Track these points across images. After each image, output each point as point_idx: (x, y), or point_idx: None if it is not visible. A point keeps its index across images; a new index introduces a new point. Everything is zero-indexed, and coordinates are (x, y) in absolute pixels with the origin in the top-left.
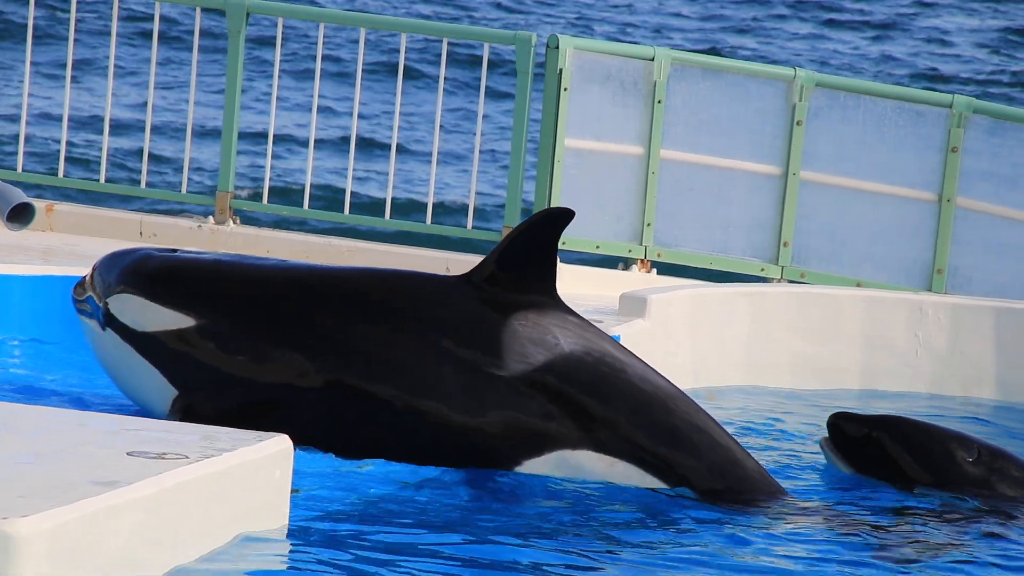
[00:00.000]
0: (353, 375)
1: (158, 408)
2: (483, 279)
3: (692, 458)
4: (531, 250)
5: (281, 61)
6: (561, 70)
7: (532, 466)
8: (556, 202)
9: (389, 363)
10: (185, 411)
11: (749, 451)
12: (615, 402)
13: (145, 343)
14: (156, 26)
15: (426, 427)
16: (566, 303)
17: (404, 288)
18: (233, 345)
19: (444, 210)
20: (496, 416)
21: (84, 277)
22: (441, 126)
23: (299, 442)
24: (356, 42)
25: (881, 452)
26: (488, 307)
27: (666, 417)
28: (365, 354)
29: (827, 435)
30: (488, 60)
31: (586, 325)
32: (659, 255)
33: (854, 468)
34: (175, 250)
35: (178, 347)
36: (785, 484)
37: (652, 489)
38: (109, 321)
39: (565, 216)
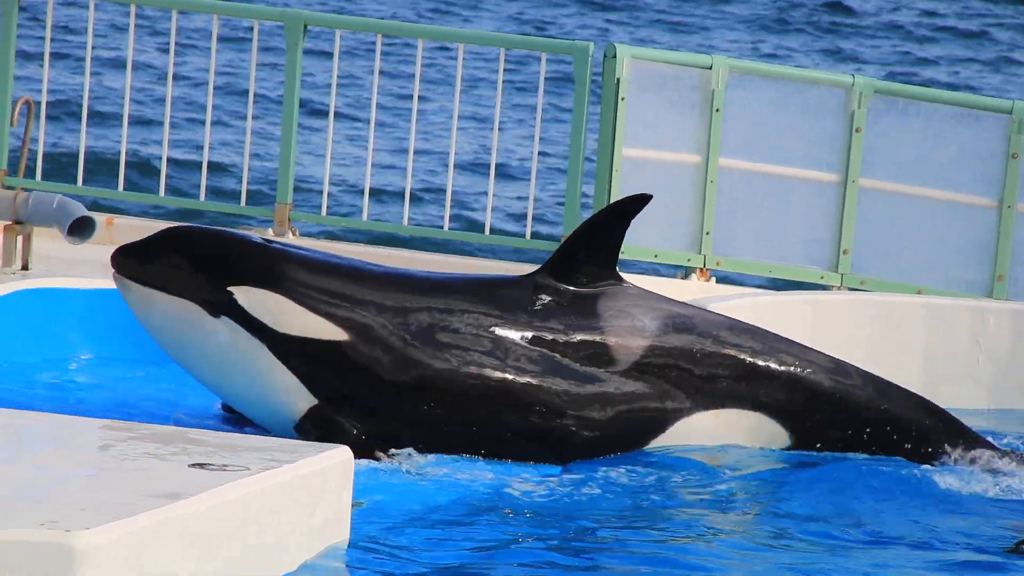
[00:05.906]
0: (502, 387)
1: (280, 411)
2: (559, 271)
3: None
4: (599, 239)
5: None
6: (619, 79)
7: (702, 427)
8: None
9: (537, 370)
10: (324, 422)
11: None
12: (767, 364)
13: (286, 346)
14: (214, 40)
15: (584, 421)
16: None
17: (516, 293)
18: (384, 361)
19: (503, 220)
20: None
21: (142, 244)
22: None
23: (446, 452)
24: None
25: None
26: (585, 298)
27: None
28: (512, 365)
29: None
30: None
31: (668, 298)
32: (718, 263)
33: None
34: (269, 240)
35: (327, 357)
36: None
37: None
38: (232, 312)
39: (641, 201)
